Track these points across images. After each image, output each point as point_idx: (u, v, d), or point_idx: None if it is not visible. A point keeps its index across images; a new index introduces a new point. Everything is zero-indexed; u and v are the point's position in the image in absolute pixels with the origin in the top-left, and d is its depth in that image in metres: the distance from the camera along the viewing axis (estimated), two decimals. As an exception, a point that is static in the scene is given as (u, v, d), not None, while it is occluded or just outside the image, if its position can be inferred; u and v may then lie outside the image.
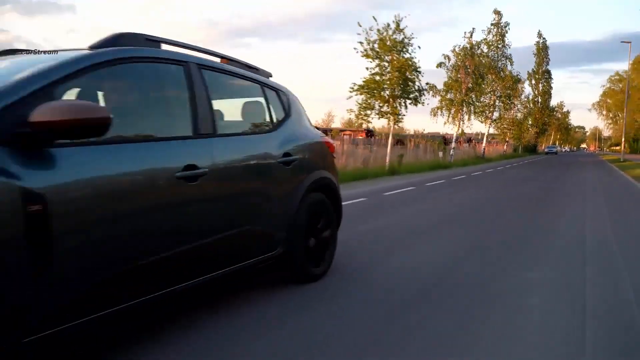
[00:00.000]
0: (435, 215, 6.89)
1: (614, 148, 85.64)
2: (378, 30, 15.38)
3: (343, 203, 4.05)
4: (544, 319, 2.76)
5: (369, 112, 15.94)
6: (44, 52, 2.66)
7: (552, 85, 57.29)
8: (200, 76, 2.76)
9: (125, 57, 2.38)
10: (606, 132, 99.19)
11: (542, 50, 55.97)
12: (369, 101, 15.87)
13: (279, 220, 3.15)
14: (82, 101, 2.03)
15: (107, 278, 2.11)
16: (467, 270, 3.84)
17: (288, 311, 2.90)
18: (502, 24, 30.57)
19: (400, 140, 26.77)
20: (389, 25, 15.30)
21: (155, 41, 2.67)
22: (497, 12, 30.67)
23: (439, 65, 23.96)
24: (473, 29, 31.88)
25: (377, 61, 15.59)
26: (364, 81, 15.71)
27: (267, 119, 3.40)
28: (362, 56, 15.67)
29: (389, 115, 16.08)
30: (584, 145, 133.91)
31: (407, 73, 15.49)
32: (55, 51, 2.54)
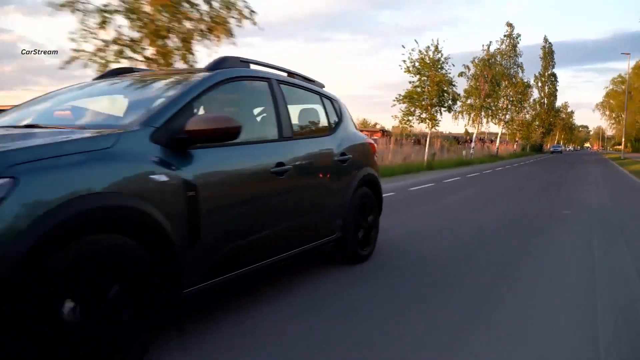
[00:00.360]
0: (488, 193, 10.20)
1: (617, 147, 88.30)
2: (419, 51, 18.78)
3: (412, 189, 6.83)
4: (572, 234, 6.07)
5: (410, 117, 19.31)
6: (152, 70, 3.40)
7: (557, 87, 60.40)
8: (279, 89, 3.27)
9: (234, 76, 2.91)
10: (609, 132, 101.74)
11: (548, 55, 58.95)
12: (410, 109, 19.23)
13: (338, 209, 3.63)
14: (222, 114, 2.48)
15: (233, 248, 2.59)
16: (522, 222, 7.15)
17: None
18: (513, 35, 33.85)
19: (418, 139, 30.14)
20: (429, 47, 18.70)
21: (247, 62, 3.19)
22: (510, 25, 33.96)
23: (461, 74, 27.26)
24: (490, 42, 35.00)
25: (418, 76, 18.98)
26: (406, 92, 19.08)
27: (326, 123, 3.90)
28: (405, 72, 19.06)
29: (427, 120, 19.46)
30: (587, 145, 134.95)
31: (444, 86, 18.86)
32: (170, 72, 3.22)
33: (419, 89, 18.97)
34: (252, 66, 3.21)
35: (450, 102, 19.55)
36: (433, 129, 20.16)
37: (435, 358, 2.33)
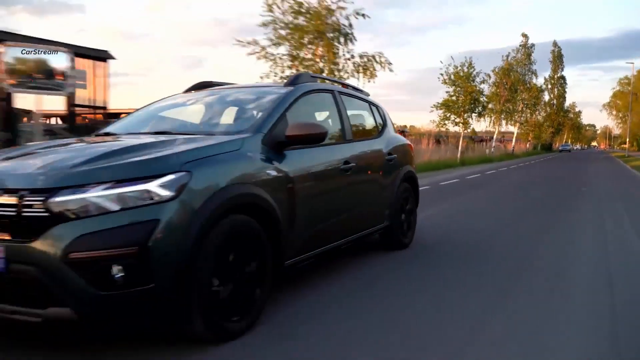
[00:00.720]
0: (529, 180, 13.86)
1: (623, 146, 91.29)
2: (455, 66, 22.49)
3: (468, 177, 10.60)
4: (589, 202, 9.73)
5: (446, 122, 23.02)
6: (229, 84, 3.95)
7: (566, 89, 63.63)
8: (340, 99, 3.88)
9: (310, 90, 3.55)
10: (616, 131, 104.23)
11: (558, 58, 62.13)
12: (446, 114, 22.93)
13: (386, 201, 4.22)
14: (314, 122, 3.28)
15: (315, 230, 3.22)
16: (555, 196, 10.82)
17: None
18: (528, 45, 37.41)
19: (437, 139, 33.80)
20: (464, 63, 22.41)
21: (315, 77, 3.85)
22: (525, 35, 37.54)
23: (483, 82, 30.86)
24: (509, 52, 38.29)
25: (453, 87, 22.67)
26: (443, 100, 22.79)
27: (375, 127, 4.45)
28: (442, 83, 22.77)
29: (460, 124, 23.15)
30: (594, 143, 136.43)
31: (475, 95, 22.54)
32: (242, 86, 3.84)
33: (454, 98, 22.67)
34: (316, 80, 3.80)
35: (480, 108, 23.24)
36: (465, 130, 23.87)
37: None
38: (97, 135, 3.45)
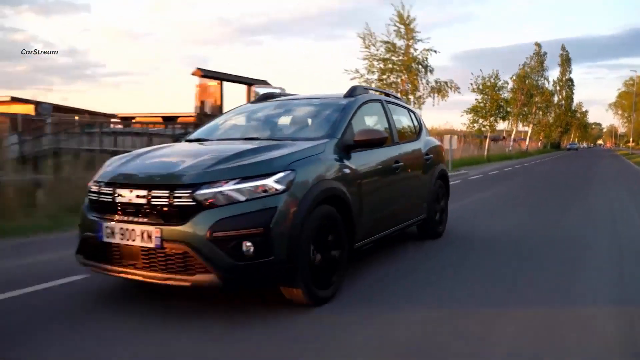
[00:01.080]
0: (552, 171, 17.80)
1: (629, 144, 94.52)
2: (483, 77, 26.55)
3: (491, 173, 14.60)
4: (599, 185, 13.70)
5: (475, 125, 27.09)
6: (289, 94, 4.79)
7: (573, 91, 67.10)
8: (387, 107, 4.52)
9: (367, 100, 4.19)
10: (622, 129, 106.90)
11: (566, 61, 65.62)
12: (475, 118, 27.00)
13: (424, 195, 4.88)
14: (377, 128, 4.01)
15: (375, 218, 3.82)
16: (572, 183, 14.80)
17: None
18: (541, 53, 41.31)
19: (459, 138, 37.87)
20: (491, 75, 26.49)
21: (367, 89, 4.47)
22: (538, 45, 41.43)
23: (501, 88, 34.79)
24: (525, 62, 41.47)
25: (481, 95, 26.75)
26: (472, 106, 26.88)
27: (414, 130, 5.08)
28: (471, 91, 26.80)
29: (487, 126, 27.19)
30: (600, 142, 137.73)
31: (501, 102, 26.59)
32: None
33: (482, 104, 26.76)
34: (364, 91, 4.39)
35: (504, 112, 27.31)
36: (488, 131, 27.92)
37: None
38: (188, 141, 4.08)
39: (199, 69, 12.15)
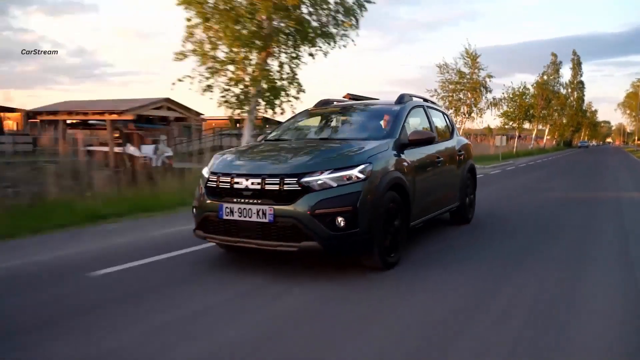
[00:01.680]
0: (572, 162, 23.66)
1: (637, 142, 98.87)
2: (513, 88, 32.63)
3: (521, 165, 20.40)
4: (609, 172, 19.53)
5: (506, 126, 33.17)
6: (344, 101, 5.78)
7: (584, 93, 72.08)
8: (428, 111, 5.38)
9: (415, 105, 5.08)
10: (630, 128, 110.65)
11: (577, 66, 70.57)
12: (506, 120, 33.06)
13: (458, 186, 5.72)
14: (427, 130, 4.94)
15: (423, 203, 4.60)
16: (586, 171, 20.64)
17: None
18: (557, 62, 47.19)
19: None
20: (519, 86, 32.62)
21: (411, 96, 5.26)
22: (554, 55, 47.32)
23: (524, 94, 40.71)
24: (543, 71, 47.27)
25: (511, 103, 32.78)
26: (503, 112, 32.94)
27: (449, 130, 5.93)
28: (502, 100, 32.75)
29: (515, 127, 33.26)
30: (609, 140, 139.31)
31: (528, 109, 32.70)
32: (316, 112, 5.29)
33: (511, 110, 32.79)
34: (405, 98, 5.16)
35: (530, 117, 33.36)
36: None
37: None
38: (267, 140, 4.99)
39: (348, 94, 16.84)
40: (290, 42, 8.19)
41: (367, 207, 3.63)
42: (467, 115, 23.11)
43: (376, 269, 3.87)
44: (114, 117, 22.07)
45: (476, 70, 23.19)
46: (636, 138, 57.95)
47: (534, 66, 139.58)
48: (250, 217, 3.60)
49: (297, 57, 8.31)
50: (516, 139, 34.98)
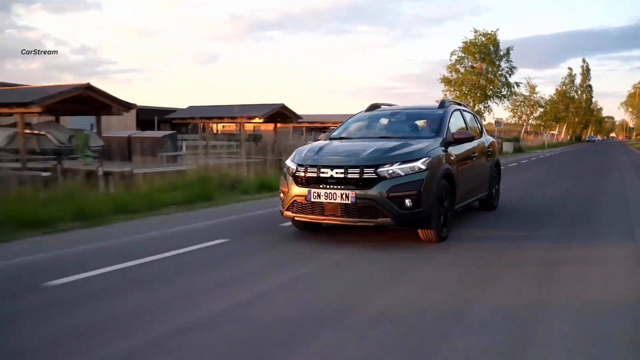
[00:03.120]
0: (587, 151, 35.75)
1: (637, 137, 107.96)
2: (541, 97, 44.76)
3: (541, 157, 32.85)
4: (615, 161, 31.23)
5: (540, 127, 45.61)
6: (392, 104, 6.92)
7: (592, 95, 78.13)
8: (463, 113, 6.44)
9: (456, 109, 6.18)
10: (632, 123, 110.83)
11: (586, 72, 78.47)
12: (543, 119, 45.60)
13: (487, 177, 6.72)
14: (469, 130, 6.11)
15: (463, 190, 5.60)
16: (596, 160, 32.46)
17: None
18: (572, 75, 59.40)
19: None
20: (551, 96, 44.77)
21: (450, 101, 6.46)
22: (570, 69, 59.55)
23: (553, 102, 52.94)
24: (562, 80, 59.05)
25: (543, 108, 45.17)
26: (538, 116, 45.30)
27: (478, 130, 6.90)
28: (534, 104, 44.99)
29: (546, 127, 45.72)
30: (613, 134, 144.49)
31: (557, 113, 45.10)
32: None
33: (545, 115, 45.10)
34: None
35: (557, 118, 45.76)
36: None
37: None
38: (331, 139, 5.90)
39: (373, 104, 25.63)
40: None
41: (428, 192, 4.68)
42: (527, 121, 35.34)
43: (431, 242, 4.96)
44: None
45: (533, 96, 35.41)
46: (635, 133, 69.53)
47: (538, 61, 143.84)
48: (335, 200, 4.66)
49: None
50: (547, 136, 47.06)
